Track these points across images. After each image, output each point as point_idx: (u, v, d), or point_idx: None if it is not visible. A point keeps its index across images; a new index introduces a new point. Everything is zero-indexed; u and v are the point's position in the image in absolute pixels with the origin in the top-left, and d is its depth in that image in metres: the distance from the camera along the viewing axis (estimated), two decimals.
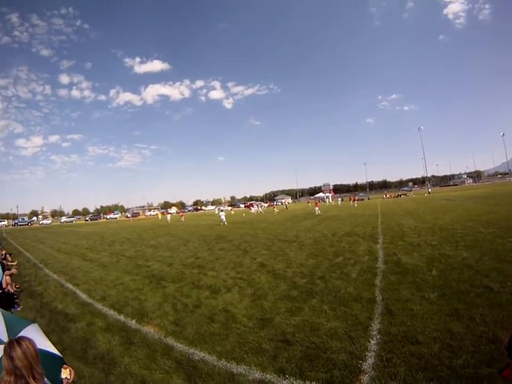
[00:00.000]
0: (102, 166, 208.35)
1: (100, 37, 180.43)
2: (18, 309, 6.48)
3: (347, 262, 8.13)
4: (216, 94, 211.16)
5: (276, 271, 7.84)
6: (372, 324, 4.27)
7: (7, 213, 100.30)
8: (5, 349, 1.72)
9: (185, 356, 3.85)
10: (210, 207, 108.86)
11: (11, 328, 2.33)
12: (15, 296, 6.98)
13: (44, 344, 2.32)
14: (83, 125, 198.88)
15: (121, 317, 5.42)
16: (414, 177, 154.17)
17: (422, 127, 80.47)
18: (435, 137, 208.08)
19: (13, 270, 7.79)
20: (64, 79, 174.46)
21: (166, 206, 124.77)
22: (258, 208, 54.36)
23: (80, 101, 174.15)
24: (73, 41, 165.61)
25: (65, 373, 1.98)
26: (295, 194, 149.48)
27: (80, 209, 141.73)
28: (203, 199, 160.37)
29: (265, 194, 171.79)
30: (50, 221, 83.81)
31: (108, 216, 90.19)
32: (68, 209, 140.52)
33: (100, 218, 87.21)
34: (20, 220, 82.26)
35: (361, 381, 3.06)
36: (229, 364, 3.58)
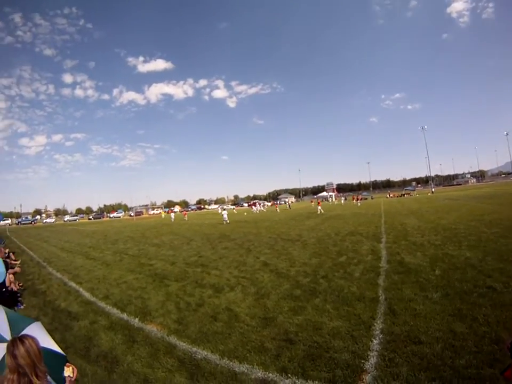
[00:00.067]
0: (105, 165, 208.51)
1: (103, 36, 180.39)
2: (22, 307, 6.53)
3: (350, 262, 8.12)
4: (220, 93, 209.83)
5: (279, 270, 7.84)
6: (375, 324, 4.26)
7: (11, 212, 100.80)
8: (8, 347, 1.73)
9: (187, 355, 3.86)
10: (213, 206, 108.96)
11: (14, 326, 2.34)
12: (19, 295, 7.03)
13: (47, 342, 2.33)
14: (86, 124, 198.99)
15: (124, 316, 5.45)
16: (417, 176, 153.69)
17: (425, 126, 79.94)
18: (439, 137, 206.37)
19: (17, 269, 7.83)
20: (68, 78, 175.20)
21: (169, 205, 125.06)
22: (260, 207, 54.47)
23: (84, 100, 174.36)
24: (77, 40, 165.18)
25: (68, 371, 1.99)
26: (298, 194, 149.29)
27: (83, 208, 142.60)
28: (206, 198, 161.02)
29: (269, 193, 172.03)
30: (53, 220, 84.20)
31: (111, 215, 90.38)
32: (71, 208, 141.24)
33: (103, 217, 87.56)
34: (24, 218, 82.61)
35: (364, 380, 3.05)
36: (231, 363, 3.59)
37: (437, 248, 8.86)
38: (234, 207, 74.01)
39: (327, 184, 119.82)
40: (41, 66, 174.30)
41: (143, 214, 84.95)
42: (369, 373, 3.14)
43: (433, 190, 75.19)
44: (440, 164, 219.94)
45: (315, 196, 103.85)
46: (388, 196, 76.28)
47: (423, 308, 4.62)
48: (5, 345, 1.81)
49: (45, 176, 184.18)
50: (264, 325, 4.58)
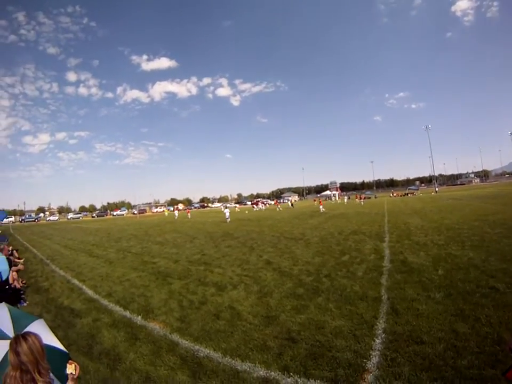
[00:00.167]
0: (109, 163, 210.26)
1: (107, 34, 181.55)
2: (25, 304, 6.57)
3: (353, 261, 8.10)
4: (224, 91, 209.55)
5: (282, 268, 7.84)
6: (377, 323, 4.25)
7: (14, 209, 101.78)
8: (11, 344, 1.74)
9: (190, 353, 3.87)
10: (217, 204, 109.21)
11: (17, 323, 2.36)
12: (22, 292, 7.08)
13: (50, 339, 2.34)
14: (90, 122, 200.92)
15: (127, 313, 5.47)
16: (421, 176, 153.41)
17: (429, 126, 79.59)
18: (442, 136, 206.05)
19: (20, 266, 7.91)
20: (71, 76, 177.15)
21: (172, 203, 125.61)
22: (261, 206, 54.59)
23: (87, 98, 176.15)
24: (80, 39, 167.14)
25: (71, 368, 2.00)
26: (301, 192, 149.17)
27: (87, 205, 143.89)
28: (210, 196, 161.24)
29: (272, 191, 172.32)
30: (57, 218, 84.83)
31: (115, 213, 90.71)
32: (75, 206, 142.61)
33: (106, 215, 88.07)
34: (27, 216, 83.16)
35: (366, 379, 3.04)
36: (233, 361, 3.59)
37: (440, 248, 8.82)
38: (237, 205, 74.03)
39: (331, 183, 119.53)
40: (45, 64, 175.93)
41: (146, 212, 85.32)
42: (371, 372, 3.14)
43: (436, 189, 74.83)
44: (444, 164, 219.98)
45: (318, 195, 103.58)
46: (391, 195, 75.98)
47: (426, 308, 4.60)
48: (8, 342, 1.82)
49: (48, 174, 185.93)
50: (266, 323, 4.58)
